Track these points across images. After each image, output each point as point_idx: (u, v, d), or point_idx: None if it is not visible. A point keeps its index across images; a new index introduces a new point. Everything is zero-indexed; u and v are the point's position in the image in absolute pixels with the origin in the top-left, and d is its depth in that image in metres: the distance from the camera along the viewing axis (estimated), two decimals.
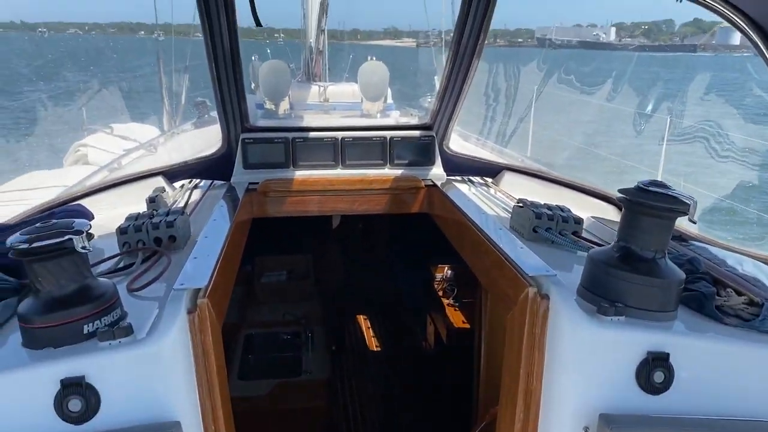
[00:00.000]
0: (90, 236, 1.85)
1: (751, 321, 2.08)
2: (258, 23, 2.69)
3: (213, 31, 3.25)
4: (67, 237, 1.75)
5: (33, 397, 1.68)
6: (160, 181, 3.70)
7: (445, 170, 4.05)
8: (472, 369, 3.69)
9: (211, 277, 2.08)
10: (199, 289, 1.95)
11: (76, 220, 1.90)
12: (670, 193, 1.98)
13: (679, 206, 1.96)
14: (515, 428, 2.06)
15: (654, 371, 1.90)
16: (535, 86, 13.33)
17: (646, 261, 2.01)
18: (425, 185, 3.86)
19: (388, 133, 3.96)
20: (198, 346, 1.84)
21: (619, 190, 2.07)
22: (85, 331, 1.78)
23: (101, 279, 1.94)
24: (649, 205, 1.98)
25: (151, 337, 1.77)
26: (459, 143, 5.55)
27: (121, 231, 2.62)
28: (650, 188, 2.00)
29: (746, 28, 2.71)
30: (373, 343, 5.79)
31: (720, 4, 2.71)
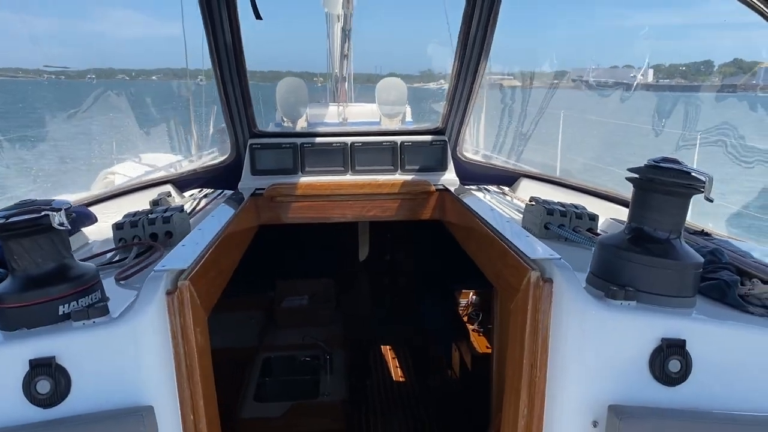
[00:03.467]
0: (70, 215, 1.78)
1: None
2: (258, 16, 2.66)
3: (215, 27, 3.22)
4: (43, 213, 1.69)
5: (1, 379, 1.60)
6: (168, 189, 3.67)
7: (459, 179, 3.94)
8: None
9: (198, 262, 1.99)
10: (182, 271, 1.86)
11: (57, 198, 1.84)
12: (683, 168, 1.84)
13: (694, 182, 1.81)
14: (519, 425, 1.89)
15: (669, 360, 1.73)
16: (561, 111, 13.20)
17: (659, 242, 1.86)
18: (437, 190, 3.75)
19: (399, 138, 3.87)
20: (176, 328, 1.75)
21: (629, 169, 1.93)
22: (61, 312, 1.70)
23: (82, 262, 1.87)
24: (660, 182, 1.83)
25: (126, 317, 1.69)
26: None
27: (117, 226, 2.57)
28: (662, 164, 1.86)
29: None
30: (396, 369, 5.63)
31: None
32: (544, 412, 1.85)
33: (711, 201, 1.85)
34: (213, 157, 8.37)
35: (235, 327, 4.86)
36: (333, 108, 9.47)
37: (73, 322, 1.67)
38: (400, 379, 5.48)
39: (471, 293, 4.86)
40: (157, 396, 1.70)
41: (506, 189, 3.96)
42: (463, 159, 4.02)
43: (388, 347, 5.97)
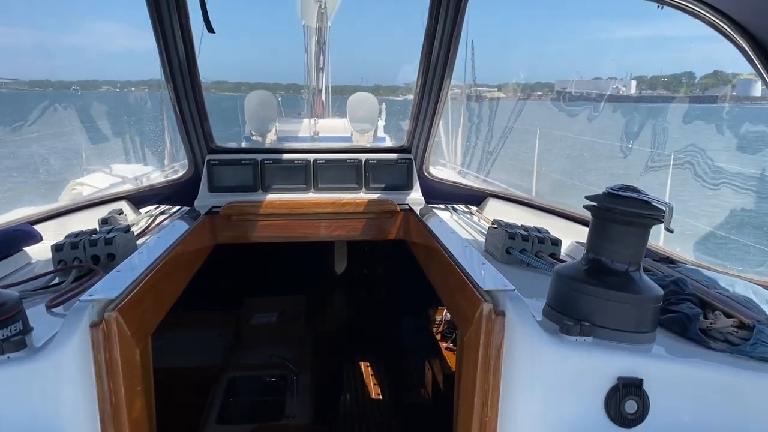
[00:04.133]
0: None
1: (740, 345, 1.82)
2: (210, 29, 2.56)
3: (167, 42, 3.10)
4: None
5: None
6: (122, 206, 3.52)
7: (426, 198, 3.84)
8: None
9: (131, 289, 1.86)
10: (110, 302, 1.73)
11: None
12: (643, 197, 1.76)
13: (653, 212, 1.73)
14: None
15: (625, 400, 1.64)
16: (538, 127, 13.24)
17: (617, 275, 1.78)
18: (401, 210, 3.65)
19: (363, 156, 3.77)
20: (101, 364, 1.62)
21: (587, 197, 1.85)
22: None
23: (4, 288, 1.74)
24: (619, 212, 1.75)
25: (44, 353, 1.56)
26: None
27: (57, 248, 2.44)
28: (621, 193, 1.77)
29: (732, 33, 2.53)
30: (369, 386, 5.51)
31: (703, 9, 2.54)
32: None
33: (671, 231, 1.77)
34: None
35: (200, 346, 4.71)
36: (305, 122, 9.42)
37: None
38: (373, 396, 5.37)
39: (445, 310, 4.77)
40: None
41: (474, 208, 3.87)
42: (430, 177, 3.93)
43: (361, 364, 5.86)
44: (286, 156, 3.72)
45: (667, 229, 1.75)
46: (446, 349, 4.56)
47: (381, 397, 5.32)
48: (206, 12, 2.50)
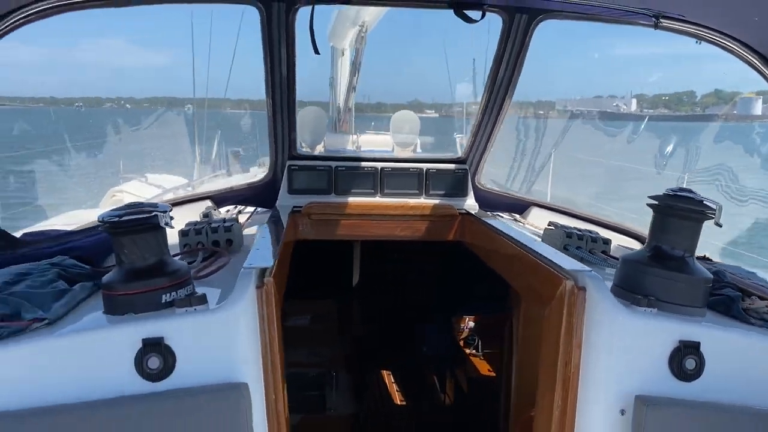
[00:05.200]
0: (170, 218, 2.06)
1: None
2: (316, 51, 2.98)
3: (273, 61, 3.55)
4: (153, 213, 1.97)
5: (115, 355, 1.85)
6: (208, 204, 3.94)
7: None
8: (499, 405, 3.75)
9: (274, 263, 2.26)
10: (266, 269, 2.14)
11: (160, 203, 2.12)
12: (697, 197, 2.16)
13: (706, 209, 2.14)
14: (554, 415, 2.17)
15: (686, 358, 2.03)
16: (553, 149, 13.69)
17: (675, 259, 2.18)
18: (459, 214, 4.05)
19: (424, 165, 4.19)
20: (264, 318, 2.02)
21: (650, 197, 2.25)
22: (164, 300, 1.97)
23: (175, 258, 2.14)
24: (678, 208, 2.16)
25: (224, 307, 1.95)
26: None
27: (183, 233, 2.84)
28: (679, 193, 2.19)
29: (745, 54, 2.95)
30: (395, 392, 5.80)
31: (719, 36, 2.97)
32: (577, 403, 2.13)
33: (720, 226, 2.18)
34: (245, 177, 8.60)
35: None
36: (348, 137, 9.92)
37: (177, 309, 1.93)
38: (397, 401, 5.63)
39: (467, 319, 5.08)
40: (250, 375, 1.96)
41: (517, 216, 4.27)
42: (481, 187, 4.34)
43: (385, 368, 6.15)
44: (356, 164, 4.15)
45: (717, 224, 2.16)
46: (470, 355, 4.90)
47: (405, 402, 5.60)
48: (314, 37, 2.92)
